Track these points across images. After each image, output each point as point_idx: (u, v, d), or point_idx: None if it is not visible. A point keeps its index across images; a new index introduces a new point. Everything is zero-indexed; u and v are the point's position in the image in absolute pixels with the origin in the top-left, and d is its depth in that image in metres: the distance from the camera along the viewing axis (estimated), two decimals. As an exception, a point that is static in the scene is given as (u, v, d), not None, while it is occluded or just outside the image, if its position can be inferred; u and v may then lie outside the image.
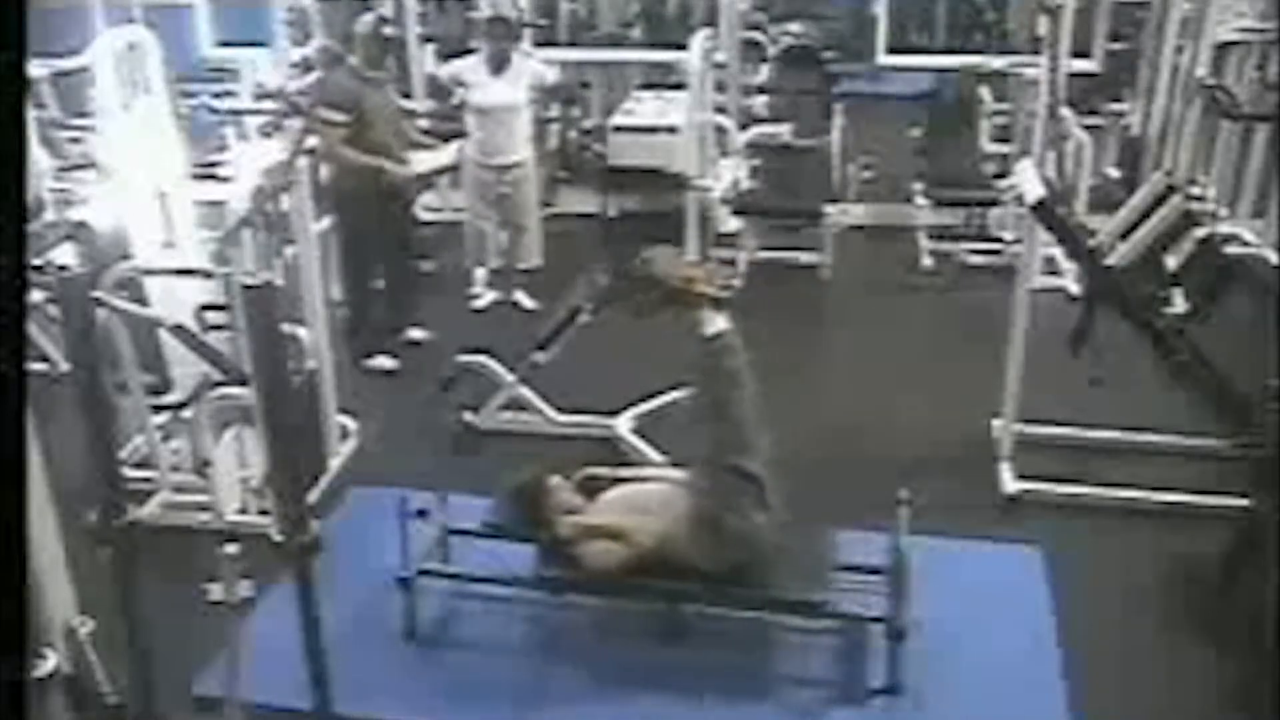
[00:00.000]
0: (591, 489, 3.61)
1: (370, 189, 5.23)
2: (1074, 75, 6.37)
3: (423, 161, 5.62)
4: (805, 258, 6.66)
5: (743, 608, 3.53)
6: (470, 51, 7.30)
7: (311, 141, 4.83)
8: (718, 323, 3.31)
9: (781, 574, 3.36)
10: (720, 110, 6.92)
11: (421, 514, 3.57)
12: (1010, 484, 4.35)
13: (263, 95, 6.76)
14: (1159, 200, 4.05)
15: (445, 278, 6.51)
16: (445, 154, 5.95)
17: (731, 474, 3.27)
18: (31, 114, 5.84)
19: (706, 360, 3.30)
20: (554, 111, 7.81)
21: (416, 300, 5.77)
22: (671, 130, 6.75)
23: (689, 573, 3.35)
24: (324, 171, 5.27)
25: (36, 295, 3.69)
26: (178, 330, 3.96)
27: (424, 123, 7.20)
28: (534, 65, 5.91)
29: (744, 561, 3.34)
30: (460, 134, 6.55)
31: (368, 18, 5.28)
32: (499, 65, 5.73)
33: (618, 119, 7.48)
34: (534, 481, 3.55)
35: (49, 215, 4.80)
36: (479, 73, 5.76)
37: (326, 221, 5.39)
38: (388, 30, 5.42)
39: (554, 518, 3.47)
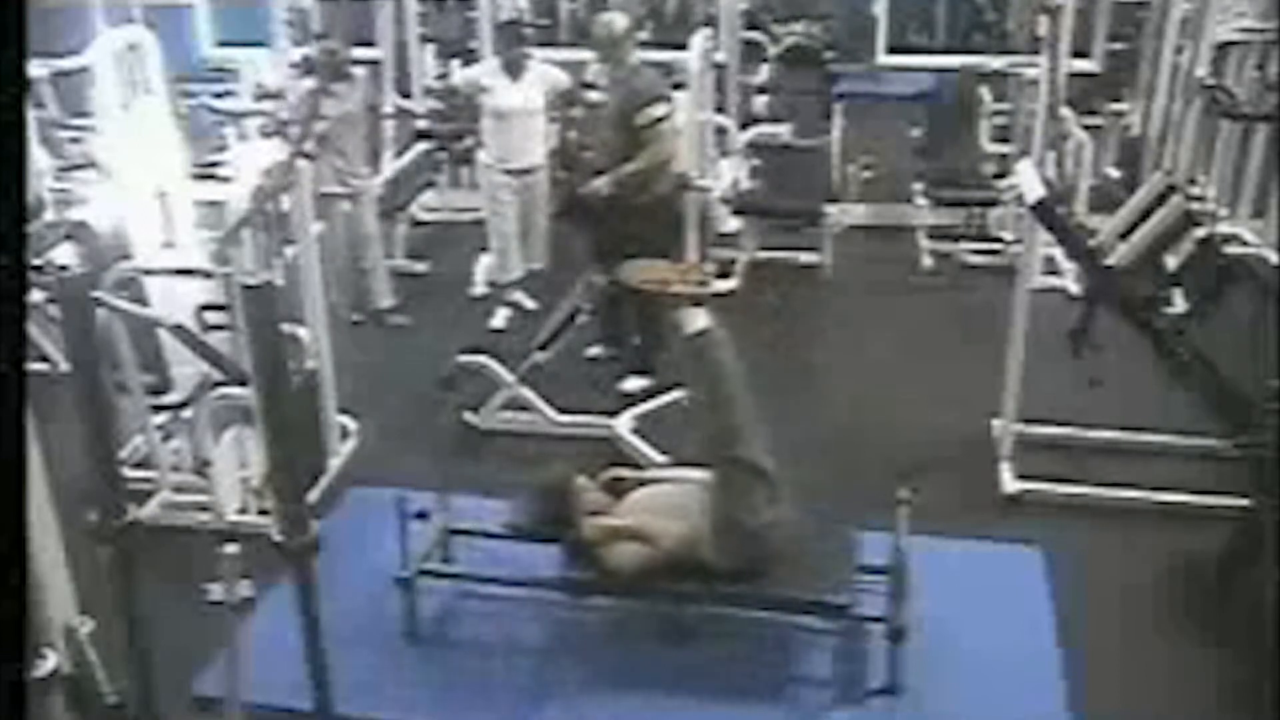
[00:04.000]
0: (617, 490, 3.60)
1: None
2: (1074, 75, 6.37)
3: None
4: (805, 258, 6.66)
5: (743, 608, 3.53)
6: (471, 53, 7.30)
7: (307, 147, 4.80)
8: (698, 321, 3.31)
9: (802, 574, 3.36)
10: (720, 110, 6.92)
11: (421, 515, 3.57)
12: (1010, 484, 4.35)
13: (263, 95, 6.76)
14: (1159, 200, 4.04)
15: (445, 278, 6.52)
16: None
17: (739, 468, 3.28)
18: (31, 114, 5.84)
19: (691, 358, 3.32)
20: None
21: None
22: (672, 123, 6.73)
23: (705, 574, 3.35)
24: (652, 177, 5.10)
25: (36, 295, 3.69)
26: (178, 330, 3.96)
27: (423, 123, 7.24)
28: (548, 70, 5.92)
29: (765, 562, 3.35)
30: (460, 135, 6.56)
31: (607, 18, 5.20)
32: (515, 70, 5.74)
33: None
34: (560, 482, 3.52)
35: (49, 215, 4.80)
36: (496, 78, 5.77)
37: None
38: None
39: (580, 519, 3.44)
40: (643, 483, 3.65)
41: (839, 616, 3.43)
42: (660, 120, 4.98)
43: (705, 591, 3.42)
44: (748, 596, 3.43)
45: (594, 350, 5.43)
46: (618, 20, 5.13)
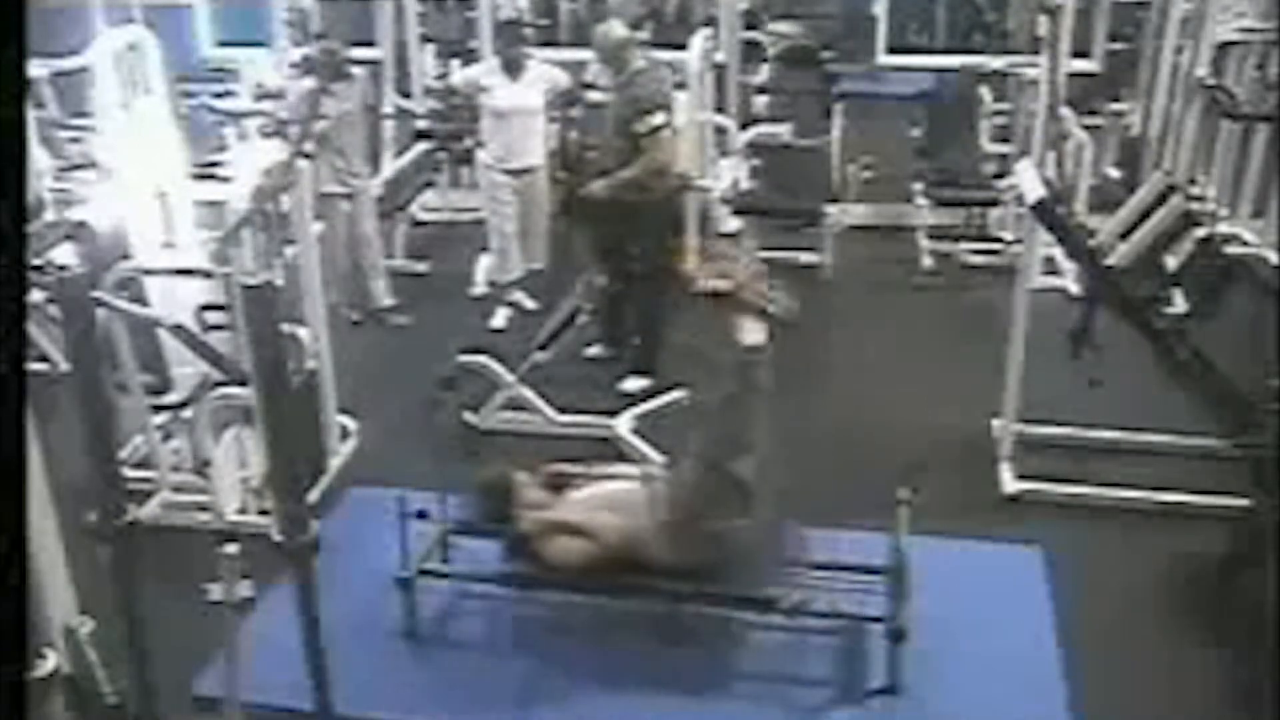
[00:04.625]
0: (559, 486, 3.64)
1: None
2: (1074, 75, 6.37)
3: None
4: (805, 258, 6.65)
5: (743, 608, 3.53)
6: (471, 52, 7.29)
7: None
8: (758, 335, 3.27)
9: (744, 572, 3.39)
10: (720, 110, 6.92)
11: (421, 515, 3.57)
12: (1010, 484, 4.35)
13: (263, 95, 6.76)
14: (1159, 200, 4.04)
15: (445, 278, 6.52)
16: None
17: (724, 481, 3.28)
18: (31, 114, 5.84)
19: (739, 370, 3.27)
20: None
21: None
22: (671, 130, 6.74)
23: (646, 570, 3.37)
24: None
25: (36, 295, 3.69)
26: (178, 330, 3.96)
27: (423, 124, 7.24)
28: (548, 69, 5.92)
29: (710, 560, 3.35)
30: (460, 135, 6.54)
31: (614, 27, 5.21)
32: (515, 70, 5.74)
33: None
34: (500, 478, 3.59)
35: (49, 215, 4.80)
36: (496, 77, 5.77)
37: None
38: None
39: (519, 514, 3.50)
40: (585, 479, 3.67)
41: (820, 615, 3.44)
42: (659, 129, 5.01)
43: (682, 591, 3.42)
44: (683, 592, 3.43)
45: (593, 350, 5.44)
46: (616, 28, 5.16)
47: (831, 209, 6.55)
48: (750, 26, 8.18)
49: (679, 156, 5.27)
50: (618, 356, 5.37)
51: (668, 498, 3.40)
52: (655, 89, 5.14)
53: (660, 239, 5.20)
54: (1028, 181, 4.22)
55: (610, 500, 3.51)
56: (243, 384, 3.82)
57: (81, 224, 4.10)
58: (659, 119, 5.01)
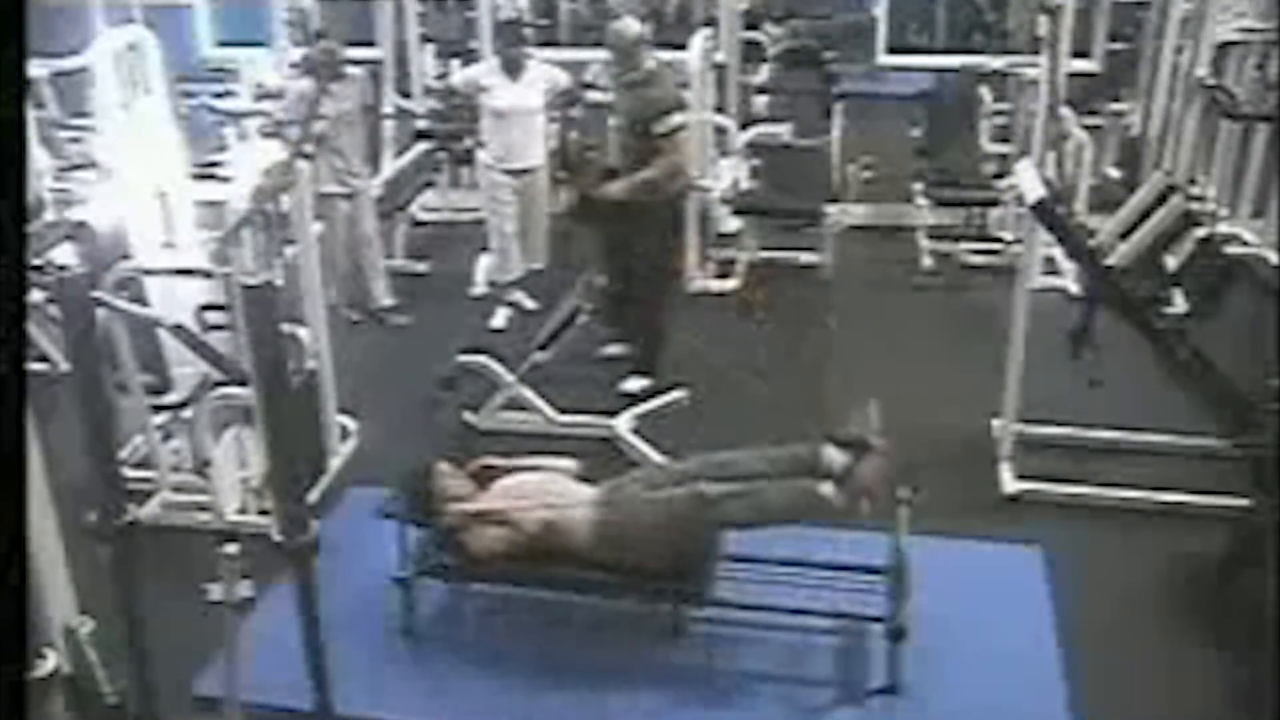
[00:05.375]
0: (485, 478, 3.67)
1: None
2: (1074, 75, 6.37)
3: None
4: (805, 258, 6.66)
5: (742, 608, 3.53)
6: (471, 52, 7.29)
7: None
8: None
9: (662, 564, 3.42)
10: (720, 110, 6.92)
11: (419, 525, 3.58)
12: (1010, 484, 4.35)
13: (263, 95, 6.76)
14: (1159, 200, 4.05)
15: (445, 278, 6.52)
16: None
17: (695, 500, 3.37)
18: (31, 114, 5.84)
19: None
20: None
21: None
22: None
23: (568, 559, 3.42)
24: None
25: (36, 295, 3.69)
26: (178, 330, 3.96)
27: (423, 123, 7.24)
28: (548, 69, 5.92)
29: (630, 551, 3.40)
30: (460, 135, 6.54)
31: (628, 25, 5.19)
32: (514, 70, 5.73)
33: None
34: (423, 469, 3.61)
35: (49, 215, 4.80)
36: (495, 77, 5.77)
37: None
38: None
39: (441, 505, 3.53)
40: (510, 471, 3.70)
41: (820, 615, 3.46)
42: (679, 129, 5.01)
43: (676, 589, 3.47)
44: (603, 584, 3.48)
45: (611, 350, 5.43)
46: (631, 26, 5.14)
47: (831, 209, 6.55)
48: (750, 27, 8.18)
49: (691, 155, 5.28)
50: (630, 356, 5.37)
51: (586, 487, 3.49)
52: (671, 88, 5.14)
53: (666, 239, 5.22)
54: (1028, 181, 4.22)
55: (529, 490, 3.55)
56: (243, 384, 3.82)
57: (81, 224, 4.10)
58: (679, 119, 5.01)
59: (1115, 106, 7.57)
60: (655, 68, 5.15)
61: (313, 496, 4.05)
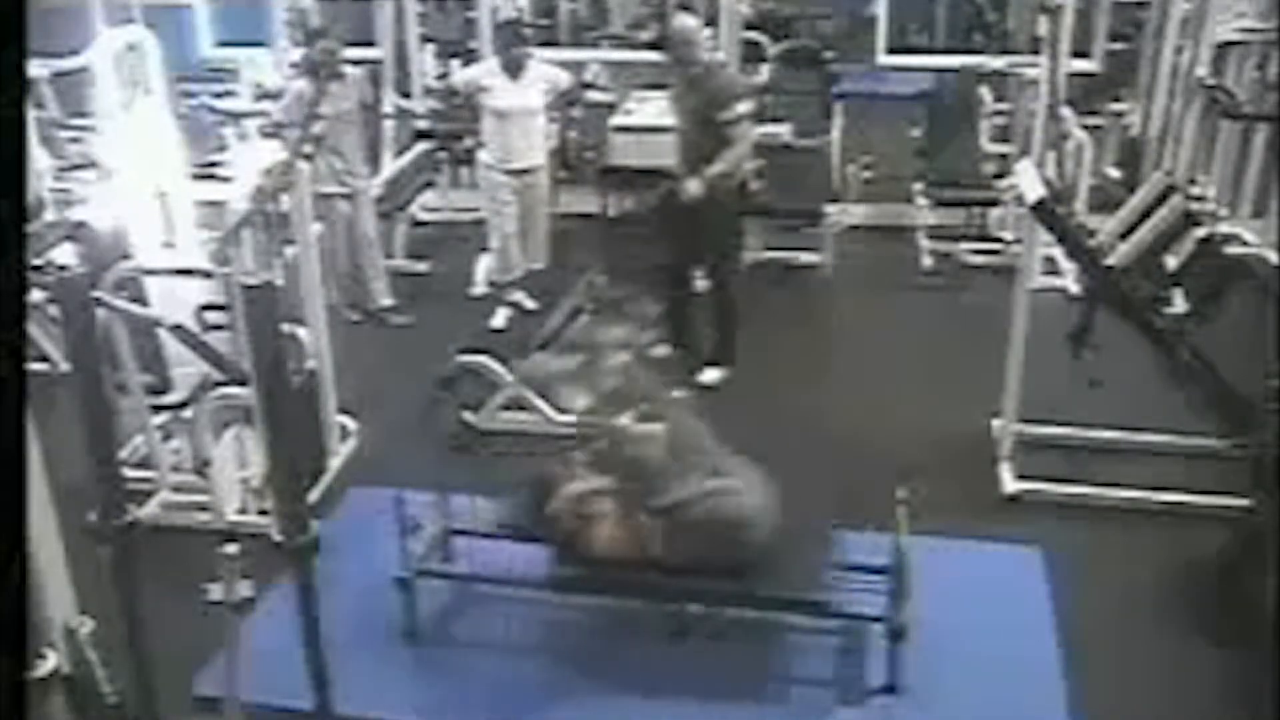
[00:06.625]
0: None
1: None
2: (1074, 75, 6.36)
3: None
4: (805, 257, 6.66)
5: (742, 607, 3.53)
6: (471, 52, 7.28)
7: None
8: None
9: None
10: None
11: (416, 527, 3.57)
12: (1010, 484, 4.35)
13: (262, 95, 6.76)
14: (1159, 200, 4.05)
15: (445, 278, 6.52)
16: None
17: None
18: (31, 114, 5.84)
19: None
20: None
21: None
22: (672, 130, 6.74)
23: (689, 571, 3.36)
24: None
25: (36, 295, 3.69)
26: (178, 330, 3.96)
27: (423, 123, 7.24)
28: (548, 69, 5.92)
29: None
30: (460, 135, 6.54)
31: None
32: (515, 70, 5.74)
33: (618, 119, 7.47)
34: (544, 478, 3.56)
35: (49, 215, 4.80)
36: (496, 78, 5.77)
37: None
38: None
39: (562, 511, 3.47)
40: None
41: (820, 614, 3.45)
42: (746, 117, 5.05)
43: (686, 589, 3.44)
44: (730, 595, 3.44)
45: (660, 351, 5.41)
46: (689, 21, 5.19)
47: (831, 209, 6.55)
48: (750, 26, 8.16)
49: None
50: (687, 354, 5.37)
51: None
52: (734, 77, 5.18)
53: (739, 227, 5.36)
54: (1028, 181, 4.22)
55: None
56: (243, 384, 3.82)
57: (81, 224, 4.11)
58: (745, 105, 5.07)
59: (1115, 106, 7.56)
60: (712, 61, 5.18)
61: (313, 496, 4.05)
